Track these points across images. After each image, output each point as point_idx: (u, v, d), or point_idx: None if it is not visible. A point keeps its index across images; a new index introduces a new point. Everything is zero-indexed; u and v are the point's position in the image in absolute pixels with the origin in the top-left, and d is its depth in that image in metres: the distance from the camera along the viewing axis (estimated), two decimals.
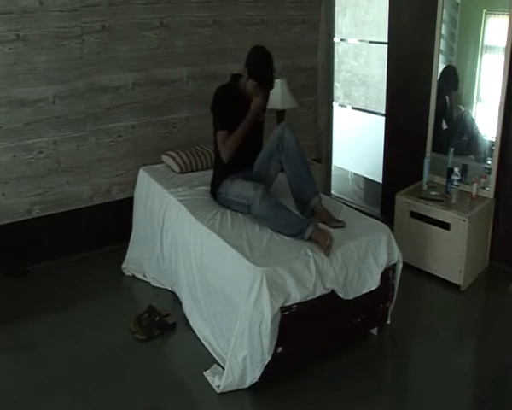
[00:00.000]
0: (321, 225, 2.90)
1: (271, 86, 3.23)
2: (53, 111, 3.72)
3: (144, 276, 3.74)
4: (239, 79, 3.30)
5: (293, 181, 3.20)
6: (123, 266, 3.88)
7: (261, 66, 3.18)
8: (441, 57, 3.92)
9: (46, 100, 3.68)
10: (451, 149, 3.83)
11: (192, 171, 3.88)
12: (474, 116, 3.94)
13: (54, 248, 3.94)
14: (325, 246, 2.74)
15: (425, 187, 3.95)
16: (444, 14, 3.84)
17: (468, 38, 3.90)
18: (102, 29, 3.78)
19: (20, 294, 3.60)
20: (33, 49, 3.56)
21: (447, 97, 4.01)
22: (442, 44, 3.91)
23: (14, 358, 2.99)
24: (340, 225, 3.00)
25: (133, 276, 3.79)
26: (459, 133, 4.00)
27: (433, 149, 4.05)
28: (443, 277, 3.68)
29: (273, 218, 2.94)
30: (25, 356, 2.99)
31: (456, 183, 3.70)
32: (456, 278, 3.61)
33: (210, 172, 3.51)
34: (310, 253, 2.72)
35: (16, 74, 3.53)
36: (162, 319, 3.19)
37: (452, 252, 3.58)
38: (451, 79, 3.97)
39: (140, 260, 3.82)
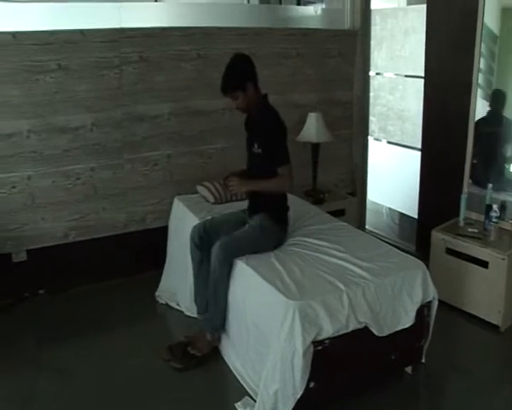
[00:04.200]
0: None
1: (222, 90, 3.12)
2: (91, 138, 3.80)
3: (178, 305, 3.73)
4: (267, 97, 3.24)
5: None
6: (156, 293, 3.88)
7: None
8: (479, 91, 3.87)
9: (84, 127, 3.76)
10: (490, 186, 3.75)
11: (227, 202, 3.89)
12: None
13: (89, 273, 3.97)
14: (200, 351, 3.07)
15: (462, 223, 3.86)
16: (482, 47, 3.80)
17: (507, 72, 3.84)
18: (140, 59, 3.87)
19: (55, 316, 3.66)
20: (74, 78, 3.66)
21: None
22: (480, 78, 3.85)
23: (47, 377, 3.03)
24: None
25: (166, 304, 3.79)
26: (498, 169, 3.91)
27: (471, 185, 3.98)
28: (481, 316, 3.56)
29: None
30: (57, 377, 3.02)
31: (494, 220, 3.61)
32: (495, 318, 3.49)
33: (244, 204, 3.47)
34: (343, 287, 2.68)
35: (57, 102, 3.64)
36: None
37: (491, 291, 3.47)
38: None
39: (173, 288, 3.81)
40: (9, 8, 3.69)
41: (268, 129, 3.10)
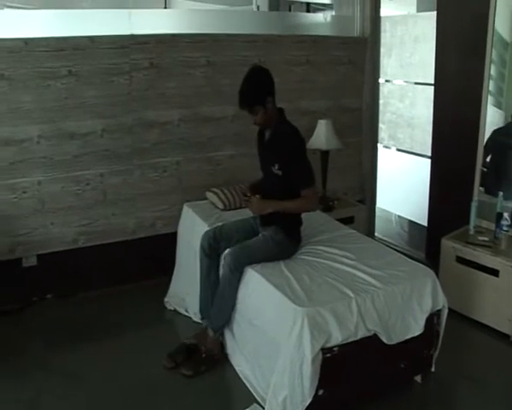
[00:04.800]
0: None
1: (240, 105, 3.01)
2: (101, 144, 3.81)
3: (186, 311, 3.72)
4: (283, 112, 3.15)
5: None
6: (165, 299, 3.88)
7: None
8: (490, 98, 3.85)
9: (94, 133, 3.78)
10: (501, 194, 3.72)
11: (235, 208, 3.88)
12: None
13: (97, 279, 3.98)
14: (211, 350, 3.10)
15: (472, 232, 3.84)
16: (493, 54, 3.78)
17: None
18: (150, 66, 3.88)
19: (63, 321, 3.67)
20: (84, 84, 3.68)
21: None
22: (491, 85, 3.84)
23: (55, 381, 3.03)
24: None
25: (175, 310, 3.79)
26: (509, 177, 3.89)
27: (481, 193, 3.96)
28: (491, 325, 3.53)
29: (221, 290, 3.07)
30: (65, 381, 3.02)
31: (505, 228, 3.58)
32: (506, 327, 3.45)
33: None
34: (352, 295, 2.67)
35: (67, 108, 3.66)
36: (209, 355, 3.15)
37: (501, 300, 3.44)
38: None
39: (182, 295, 3.80)
40: (21, 15, 3.74)
41: (291, 152, 2.98)
